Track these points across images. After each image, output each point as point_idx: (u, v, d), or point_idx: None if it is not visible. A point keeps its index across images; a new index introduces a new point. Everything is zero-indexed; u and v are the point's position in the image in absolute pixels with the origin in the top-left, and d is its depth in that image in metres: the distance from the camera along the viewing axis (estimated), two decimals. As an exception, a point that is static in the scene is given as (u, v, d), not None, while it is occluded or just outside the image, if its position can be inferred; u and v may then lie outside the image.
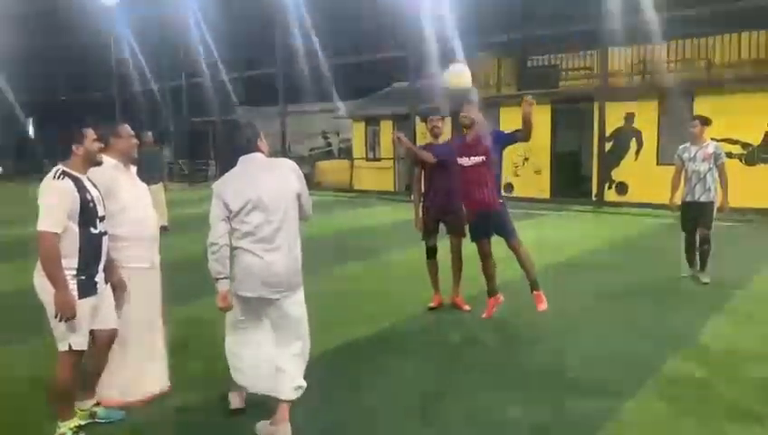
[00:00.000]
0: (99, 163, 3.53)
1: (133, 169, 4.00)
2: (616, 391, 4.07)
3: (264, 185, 3.34)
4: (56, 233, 3.21)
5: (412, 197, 6.32)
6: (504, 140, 5.52)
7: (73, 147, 3.41)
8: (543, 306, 5.38)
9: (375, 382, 4.30)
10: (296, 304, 3.50)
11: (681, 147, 7.27)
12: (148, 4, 25.72)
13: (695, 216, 7.01)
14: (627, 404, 3.87)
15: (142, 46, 27.94)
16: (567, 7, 14.50)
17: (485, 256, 5.58)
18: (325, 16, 21.19)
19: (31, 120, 32.33)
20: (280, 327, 3.49)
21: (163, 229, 11.34)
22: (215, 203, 3.37)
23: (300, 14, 21.40)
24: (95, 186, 3.49)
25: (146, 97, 28.67)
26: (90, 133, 3.46)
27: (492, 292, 5.73)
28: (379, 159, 20.34)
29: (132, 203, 3.79)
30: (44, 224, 3.21)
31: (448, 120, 5.76)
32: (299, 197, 3.46)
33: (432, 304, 6.06)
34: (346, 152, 23.66)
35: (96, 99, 31.10)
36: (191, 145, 27.81)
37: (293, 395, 3.45)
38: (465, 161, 5.45)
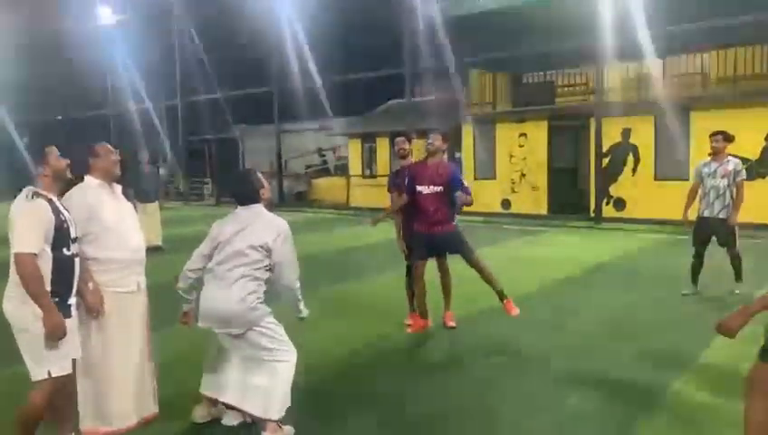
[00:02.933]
0: (67, 180, 3.40)
1: (118, 187, 3.81)
2: (617, 417, 3.93)
3: (242, 229, 3.60)
4: (35, 254, 3.09)
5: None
6: (454, 187, 5.47)
7: (39, 168, 3.29)
8: (515, 312, 5.47)
9: (368, 405, 4.16)
10: (249, 341, 3.59)
11: (702, 162, 7.16)
12: (145, 25, 25.85)
13: (710, 232, 6.93)
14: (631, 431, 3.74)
15: (138, 66, 28.00)
16: (562, 23, 14.52)
17: (419, 276, 5.66)
18: (320, 34, 21.26)
19: (26, 140, 32.27)
20: (233, 354, 3.70)
21: (157, 249, 11.32)
22: (207, 238, 3.73)
23: (296, 32, 21.49)
24: (65, 208, 3.36)
25: (141, 116, 28.67)
26: (52, 151, 3.33)
27: (423, 314, 5.75)
28: (375, 177, 20.27)
29: (116, 224, 3.63)
30: (22, 246, 3.09)
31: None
32: (270, 253, 3.58)
33: (410, 324, 5.90)
34: (342, 169, 23.62)
35: (92, 118, 31.10)
36: (187, 164, 27.75)
37: (264, 414, 3.55)
38: (423, 189, 5.55)
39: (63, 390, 3.37)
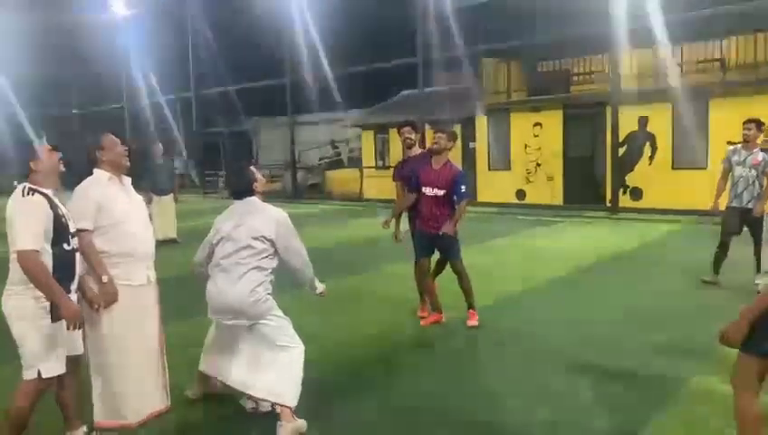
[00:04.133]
0: (60, 172, 3.35)
1: (128, 180, 3.79)
2: (636, 408, 3.88)
3: (241, 222, 3.70)
4: (37, 250, 3.06)
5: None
6: (457, 189, 5.58)
7: (30, 164, 3.24)
8: (473, 322, 5.65)
9: (381, 393, 4.15)
10: (257, 333, 3.69)
11: (731, 148, 6.95)
12: (158, 18, 25.92)
13: (739, 222, 6.79)
14: (648, 424, 3.69)
15: (152, 59, 28.11)
16: (577, 10, 14.30)
17: (424, 273, 5.78)
18: (333, 26, 21.17)
19: (44, 136, 32.57)
20: (241, 343, 3.76)
21: (173, 241, 11.37)
22: (211, 231, 3.85)
23: (308, 23, 21.42)
24: (73, 199, 3.34)
25: (156, 109, 28.82)
26: (43, 145, 3.30)
27: (435, 308, 5.85)
28: (388, 168, 20.19)
29: (126, 217, 3.60)
30: (24, 242, 3.04)
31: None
32: (273, 243, 3.69)
33: (422, 316, 5.96)
34: (355, 161, 23.58)
35: (107, 111, 31.32)
36: (202, 156, 27.88)
37: (277, 399, 3.62)
38: (427, 191, 5.64)
39: (65, 387, 3.37)
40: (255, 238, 3.65)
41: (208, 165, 27.85)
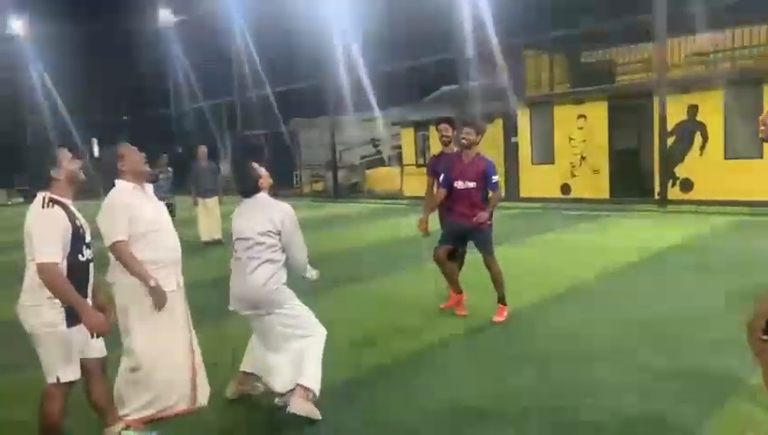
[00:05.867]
0: (82, 183, 3.33)
1: (149, 188, 3.83)
2: (692, 407, 3.72)
3: (250, 219, 3.84)
4: (57, 263, 3.06)
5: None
6: (489, 180, 5.67)
7: (51, 172, 3.21)
8: (500, 318, 5.67)
9: (415, 396, 4.10)
10: (275, 322, 3.81)
11: None
12: (202, 25, 26.46)
13: None
14: (705, 423, 3.53)
15: (197, 65, 28.77)
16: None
17: (441, 261, 5.80)
18: (371, 23, 21.17)
19: (96, 141, 33.70)
20: (263, 335, 3.91)
21: (218, 242, 11.59)
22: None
23: (347, 22, 21.49)
24: (103, 211, 3.37)
25: (200, 113, 29.46)
26: (64, 153, 3.25)
27: (456, 290, 5.96)
28: (429, 165, 20.07)
29: (155, 226, 3.68)
30: (45, 255, 3.03)
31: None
32: (279, 236, 3.81)
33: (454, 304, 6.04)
34: (396, 159, 23.56)
35: (155, 117, 32.22)
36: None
37: (282, 389, 3.77)
38: (459, 184, 5.69)
39: (94, 390, 3.40)
40: (263, 233, 3.77)
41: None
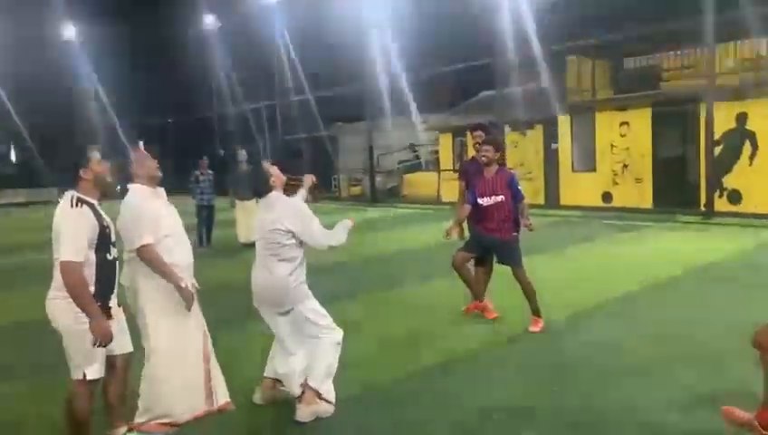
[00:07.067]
0: (110, 186, 3.42)
1: (162, 192, 3.86)
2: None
3: (263, 219, 3.99)
4: (80, 262, 3.13)
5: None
6: (515, 191, 5.68)
7: (80, 172, 3.30)
8: (536, 329, 5.61)
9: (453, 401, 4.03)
10: (292, 320, 3.93)
11: None
12: (245, 30, 26.93)
13: None
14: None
15: (238, 69, 29.27)
16: (665, 1, 13.52)
17: (459, 267, 5.90)
18: (409, 30, 21.18)
19: (141, 143, 34.54)
20: (282, 336, 3.99)
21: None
22: None
23: (385, 29, 21.55)
24: (122, 212, 3.42)
25: (241, 117, 29.94)
26: (95, 155, 3.33)
27: (477, 296, 6.04)
28: (467, 171, 19.91)
29: (171, 230, 3.72)
30: (68, 254, 3.11)
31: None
32: (290, 231, 3.89)
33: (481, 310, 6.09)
34: (434, 164, 23.47)
35: (198, 120, 32.89)
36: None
37: (297, 391, 3.86)
38: (485, 201, 5.67)
39: (108, 388, 3.46)
40: (277, 231, 3.86)
41: (291, 171, 28.52)
